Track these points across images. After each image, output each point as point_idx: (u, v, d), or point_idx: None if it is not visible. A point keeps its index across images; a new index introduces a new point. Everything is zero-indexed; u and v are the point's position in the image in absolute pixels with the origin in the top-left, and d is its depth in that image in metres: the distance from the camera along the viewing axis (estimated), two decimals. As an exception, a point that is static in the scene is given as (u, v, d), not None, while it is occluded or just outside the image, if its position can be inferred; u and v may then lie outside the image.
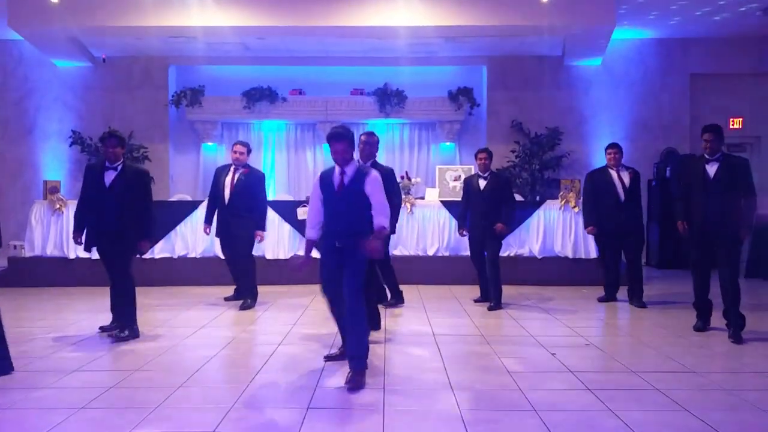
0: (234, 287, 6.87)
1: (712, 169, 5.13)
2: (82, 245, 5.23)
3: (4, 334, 4.06)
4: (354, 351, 3.88)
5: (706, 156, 5.18)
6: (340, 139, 3.95)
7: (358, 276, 3.94)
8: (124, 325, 5.06)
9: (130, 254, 5.12)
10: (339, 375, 3.98)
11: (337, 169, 4.02)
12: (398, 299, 6.52)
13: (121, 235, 5.01)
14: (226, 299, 6.82)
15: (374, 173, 4.03)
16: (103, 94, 10.56)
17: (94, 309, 6.05)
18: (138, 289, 5.26)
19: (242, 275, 6.59)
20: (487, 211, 6.37)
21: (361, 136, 5.62)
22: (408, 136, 11.06)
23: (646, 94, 10.55)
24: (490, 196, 6.39)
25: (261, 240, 6.61)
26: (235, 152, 6.49)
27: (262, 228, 6.54)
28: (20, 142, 10.53)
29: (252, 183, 6.46)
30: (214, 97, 10.43)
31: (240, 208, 6.38)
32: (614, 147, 6.62)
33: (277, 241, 8.13)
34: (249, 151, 6.60)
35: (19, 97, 10.57)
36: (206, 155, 10.79)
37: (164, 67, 10.61)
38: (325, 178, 4.07)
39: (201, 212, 8.08)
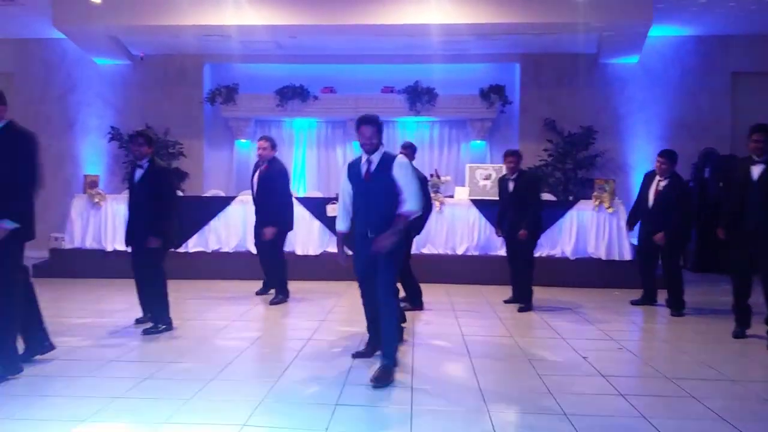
0: (263, 281, 6.97)
1: (757, 170, 4.99)
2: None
3: (41, 318, 4.20)
4: (384, 348, 3.92)
5: (754, 157, 5.04)
6: (368, 122, 3.93)
7: (392, 271, 3.93)
8: (157, 320, 5.17)
9: (156, 250, 5.13)
10: (367, 372, 4.00)
11: (364, 158, 3.99)
12: (415, 303, 6.15)
13: (143, 232, 5.09)
14: (258, 293, 6.92)
15: (401, 158, 3.99)
16: (140, 91, 10.78)
17: (130, 301, 6.16)
18: (172, 282, 5.37)
19: (271, 271, 6.65)
20: (517, 212, 6.33)
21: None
22: (438, 134, 11.02)
23: (684, 93, 10.30)
24: (519, 197, 6.33)
25: (268, 237, 6.37)
26: (258, 148, 6.55)
27: (272, 224, 6.36)
28: (62, 136, 10.81)
29: (271, 177, 6.43)
30: (248, 94, 10.56)
31: (264, 204, 6.45)
32: (661, 156, 6.35)
33: (308, 237, 8.20)
34: (273, 146, 6.53)
35: (62, 93, 10.87)
36: (239, 152, 10.93)
37: (199, 65, 10.78)
38: (352, 168, 4.05)
39: (234, 207, 8.29)
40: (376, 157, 3.96)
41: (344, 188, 4.14)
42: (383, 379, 3.77)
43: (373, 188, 3.94)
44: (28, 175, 3.83)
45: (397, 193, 3.92)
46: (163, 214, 5.09)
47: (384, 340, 3.95)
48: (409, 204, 3.91)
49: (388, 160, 3.93)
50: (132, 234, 5.23)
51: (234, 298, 6.80)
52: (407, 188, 3.91)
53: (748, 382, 3.99)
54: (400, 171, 3.91)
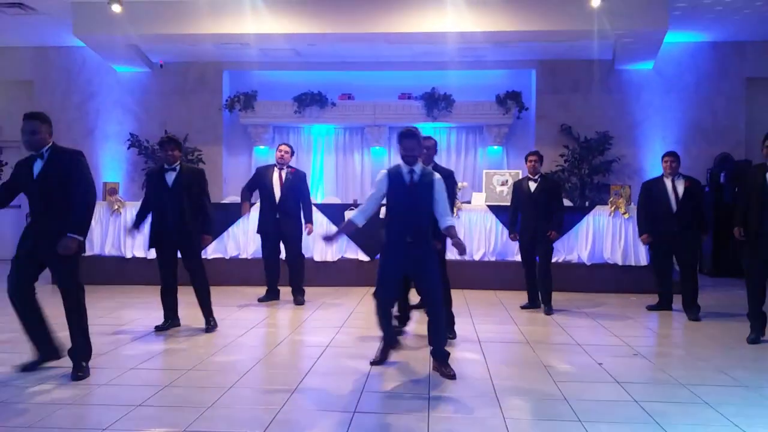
0: (266, 288, 7.09)
1: None
2: (133, 239, 5.61)
3: (47, 324, 4.29)
4: (441, 343, 4.26)
5: None
6: (411, 136, 4.18)
7: (437, 272, 4.24)
8: (210, 316, 5.52)
9: (199, 249, 5.46)
10: (384, 379, 4.07)
11: (405, 168, 4.19)
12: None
13: (187, 232, 5.32)
14: (260, 300, 7.02)
15: (438, 175, 4.28)
16: (159, 98, 10.95)
17: (149, 307, 6.30)
18: (191, 290, 5.49)
19: (298, 272, 6.94)
20: (537, 213, 6.35)
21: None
22: (455, 140, 11.05)
23: (699, 98, 10.26)
24: (541, 198, 6.38)
25: (310, 232, 6.93)
26: (281, 151, 6.91)
27: (311, 221, 6.93)
28: (82, 143, 10.96)
29: (299, 181, 6.90)
30: (267, 101, 10.68)
31: (291, 207, 6.79)
32: (670, 155, 6.42)
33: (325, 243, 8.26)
34: (292, 152, 7.03)
35: (81, 101, 11.06)
36: (258, 158, 11.03)
37: (218, 73, 10.92)
38: (395, 175, 4.22)
39: (253, 214, 8.22)
40: (417, 168, 4.20)
41: (379, 190, 4.25)
42: (452, 370, 4.18)
43: (415, 196, 4.19)
44: (89, 194, 4.07)
45: (431, 205, 4.21)
46: (208, 212, 5.50)
47: (442, 339, 4.29)
48: (449, 218, 4.24)
49: (428, 173, 4.23)
50: (164, 238, 5.37)
51: (252, 304, 6.89)
52: (443, 204, 4.23)
53: (762, 388, 3.99)
54: (439, 188, 4.20)
